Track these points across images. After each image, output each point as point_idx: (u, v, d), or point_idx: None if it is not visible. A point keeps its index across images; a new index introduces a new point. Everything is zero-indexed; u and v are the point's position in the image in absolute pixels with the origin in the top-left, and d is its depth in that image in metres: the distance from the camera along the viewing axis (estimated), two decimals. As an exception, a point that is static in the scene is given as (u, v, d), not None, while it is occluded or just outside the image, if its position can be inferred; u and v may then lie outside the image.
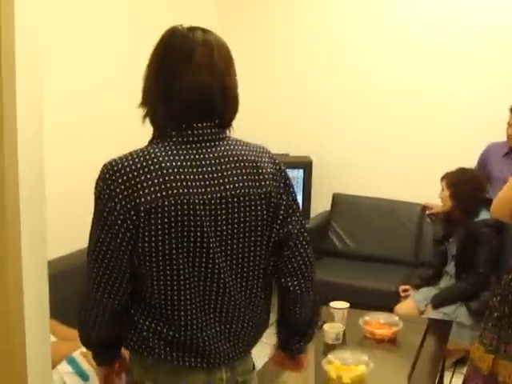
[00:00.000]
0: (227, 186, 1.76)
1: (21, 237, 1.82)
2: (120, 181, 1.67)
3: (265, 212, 1.82)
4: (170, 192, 1.68)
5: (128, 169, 1.68)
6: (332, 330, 3.35)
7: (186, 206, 1.69)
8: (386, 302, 4.41)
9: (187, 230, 1.70)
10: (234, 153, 1.80)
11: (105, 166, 1.72)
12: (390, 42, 5.24)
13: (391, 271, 4.88)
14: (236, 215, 1.77)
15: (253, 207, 1.80)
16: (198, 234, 1.71)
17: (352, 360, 2.99)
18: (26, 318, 1.84)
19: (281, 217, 1.86)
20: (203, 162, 1.74)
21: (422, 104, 5.19)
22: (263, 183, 1.81)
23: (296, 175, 5.18)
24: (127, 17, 4.46)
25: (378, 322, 3.50)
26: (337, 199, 5.38)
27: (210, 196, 1.73)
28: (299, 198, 5.17)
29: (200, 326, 1.80)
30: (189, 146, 1.74)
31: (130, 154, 1.72)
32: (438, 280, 4.42)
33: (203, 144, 1.76)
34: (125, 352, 1.96)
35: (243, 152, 1.81)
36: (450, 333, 3.68)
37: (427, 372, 3.29)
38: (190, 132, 1.74)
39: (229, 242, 1.78)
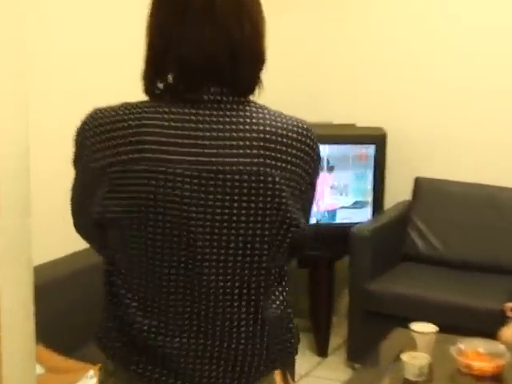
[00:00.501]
0: (226, 160, 1.79)
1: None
2: (92, 133, 1.81)
3: (269, 199, 1.83)
4: (146, 156, 1.76)
5: (106, 120, 1.81)
6: (414, 361, 3.27)
7: (163, 176, 1.75)
8: (487, 325, 4.29)
9: (162, 207, 1.77)
10: (244, 120, 1.83)
11: (87, 114, 1.86)
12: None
13: (494, 283, 4.78)
14: (228, 196, 1.80)
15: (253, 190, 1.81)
16: (176, 212, 1.77)
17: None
18: (2, 342, 1.81)
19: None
20: (201, 126, 1.79)
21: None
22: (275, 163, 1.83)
23: (365, 153, 5.12)
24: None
25: (476, 352, 3.41)
26: (420, 185, 5.30)
27: (198, 168, 1.77)
28: (365, 184, 5.10)
29: (170, 332, 1.83)
30: (186, 111, 1.80)
31: (119, 105, 1.84)
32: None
33: (207, 106, 1.81)
34: None
35: (260, 121, 1.84)
36: None
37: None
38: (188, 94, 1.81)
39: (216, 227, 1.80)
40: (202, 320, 1.83)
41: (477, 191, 5.16)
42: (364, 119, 5.32)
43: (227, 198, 1.78)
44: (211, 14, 1.77)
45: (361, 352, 4.66)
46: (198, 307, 1.82)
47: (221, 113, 1.81)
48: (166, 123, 1.78)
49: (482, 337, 3.85)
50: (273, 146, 1.82)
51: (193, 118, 1.79)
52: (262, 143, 1.81)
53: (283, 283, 1.95)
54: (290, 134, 1.85)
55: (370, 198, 5.16)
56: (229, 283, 1.82)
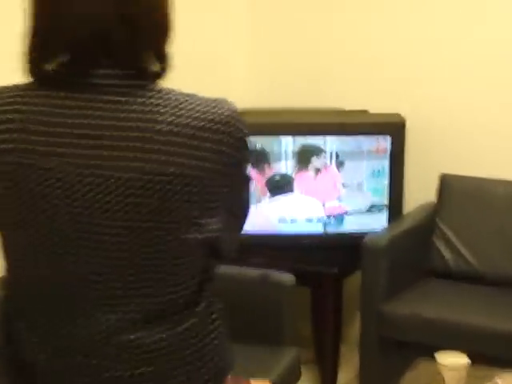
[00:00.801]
0: (111, 164, 1.82)
1: None
2: None
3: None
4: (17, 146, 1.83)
5: None
6: (442, 401, 3.15)
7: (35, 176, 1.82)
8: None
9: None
10: (142, 109, 1.84)
11: None
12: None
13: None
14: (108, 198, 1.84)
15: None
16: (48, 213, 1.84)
17: None
18: None
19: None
20: (84, 114, 1.82)
21: None
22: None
23: (378, 145, 5.00)
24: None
25: (517, 389, 3.30)
26: (447, 184, 5.17)
27: (83, 171, 1.82)
28: (383, 183, 4.98)
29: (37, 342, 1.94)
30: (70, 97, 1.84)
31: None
32: None
33: (96, 91, 1.84)
34: None
35: (163, 110, 1.86)
36: None
37: None
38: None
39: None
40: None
41: (518, 191, 5.03)
42: (378, 105, 5.21)
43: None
44: None
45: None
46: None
47: (110, 98, 1.83)
48: (46, 109, 1.82)
49: None
50: (179, 140, 1.83)
51: (76, 106, 1.82)
52: (162, 137, 1.82)
53: None
54: (201, 124, 1.86)
55: (386, 201, 5.03)
56: None
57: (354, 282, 4.91)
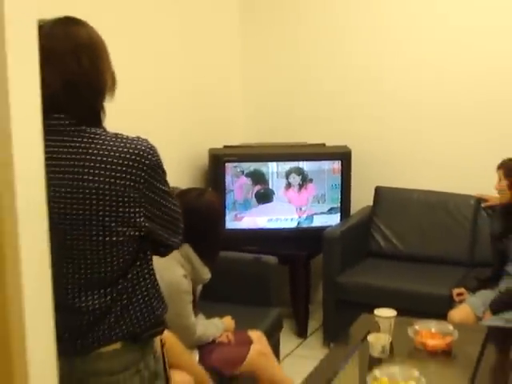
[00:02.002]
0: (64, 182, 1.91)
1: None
2: None
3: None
4: None
5: None
6: (378, 341, 3.25)
7: None
8: (438, 308, 4.29)
9: None
10: (80, 145, 1.93)
11: None
12: (434, 23, 5.12)
13: (443, 273, 4.76)
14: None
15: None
16: None
17: (401, 376, 2.89)
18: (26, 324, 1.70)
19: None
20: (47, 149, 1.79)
21: (474, 84, 5.07)
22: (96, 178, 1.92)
23: (333, 167, 5.09)
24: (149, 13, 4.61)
25: (429, 332, 3.39)
26: (380, 193, 5.27)
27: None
28: (338, 193, 5.08)
29: None
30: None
31: None
32: (497, 282, 4.28)
33: (52, 132, 1.87)
34: None
35: (97, 146, 1.93)
36: (512, 342, 3.56)
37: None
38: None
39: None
40: None
41: (429, 196, 5.13)
42: (332, 139, 5.31)
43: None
44: (51, 55, 1.85)
45: (335, 334, 4.68)
46: None
47: (59, 138, 1.91)
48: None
49: (434, 318, 3.83)
50: (104, 166, 1.90)
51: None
52: (92, 164, 1.90)
53: None
54: (122, 155, 1.92)
55: (339, 205, 5.13)
56: None
57: (318, 262, 5.01)
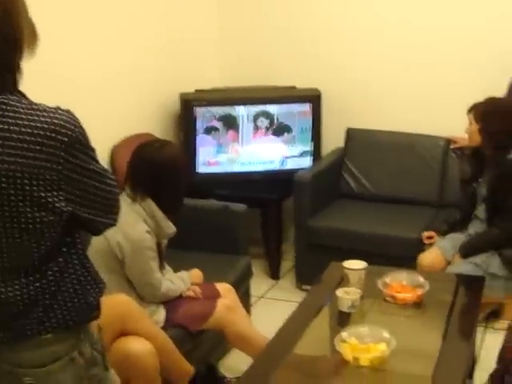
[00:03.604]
0: None
1: None
2: None
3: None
4: None
5: None
6: (347, 296, 2.89)
7: None
8: (409, 251, 3.97)
9: None
10: None
11: None
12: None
13: (413, 214, 4.39)
14: None
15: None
16: None
17: (370, 337, 2.55)
18: None
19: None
20: None
21: (444, 24, 4.59)
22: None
23: (304, 109, 4.67)
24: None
25: (400, 284, 3.05)
26: (351, 135, 4.83)
27: None
28: (308, 135, 4.67)
29: None
30: None
31: None
32: (467, 225, 3.94)
33: None
34: None
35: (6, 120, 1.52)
36: (482, 290, 3.21)
37: (460, 340, 2.85)
38: None
39: None
40: None
41: (399, 138, 4.69)
42: (302, 81, 4.85)
43: None
44: None
45: (307, 276, 4.36)
46: None
47: None
48: None
49: (403, 261, 3.65)
50: (19, 144, 1.50)
51: None
52: (7, 142, 1.51)
53: None
54: (35, 131, 1.52)
55: (310, 148, 4.72)
56: None
57: (290, 203, 4.61)
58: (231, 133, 4.63)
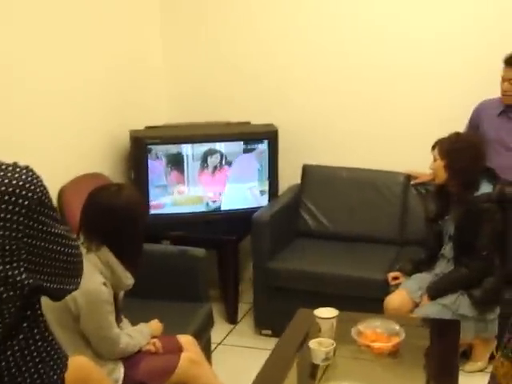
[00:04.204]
0: None
1: None
2: None
3: None
4: None
5: None
6: (321, 347, 2.70)
7: None
8: (373, 293, 3.85)
9: None
10: None
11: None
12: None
13: (374, 253, 4.25)
14: None
15: None
16: None
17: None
18: None
19: None
20: None
21: (405, 57, 4.51)
22: None
23: (260, 148, 4.49)
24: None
25: (374, 332, 2.87)
26: (307, 171, 4.67)
27: None
28: (265, 172, 4.49)
29: None
30: None
31: None
32: (433, 264, 3.82)
33: None
34: None
35: None
36: (459, 335, 3.05)
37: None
38: None
39: None
40: None
41: (358, 174, 4.56)
42: (257, 117, 4.69)
43: None
44: None
45: (265, 320, 4.22)
46: None
47: None
48: None
49: (369, 303, 3.61)
50: None
51: None
52: None
53: None
54: None
55: (266, 186, 4.54)
56: None
57: (247, 242, 4.42)
58: (175, 173, 4.40)
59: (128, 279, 2.81)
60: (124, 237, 2.75)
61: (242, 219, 4.30)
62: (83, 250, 2.72)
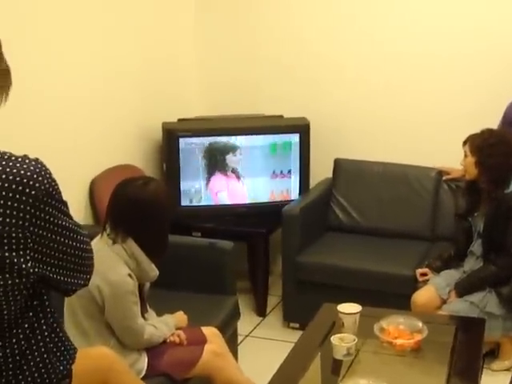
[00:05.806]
0: None
1: None
2: None
3: None
4: None
5: None
6: (343, 343, 2.71)
7: None
8: (401, 289, 3.83)
9: None
10: None
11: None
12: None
13: (404, 248, 4.22)
14: None
15: None
16: None
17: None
18: None
19: None
20: None
21: (439, 51, 4.46)
22: None
23: (292, 140, 4.50)
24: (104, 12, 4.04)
25: (397, 329, 2.86)
26: (339, 166, 4.66)
27: None
28: (296, 166, 4.49)
29: None
30: None
31: None
32: (462, 261, 3.79)
33: None
34: None
35: None
36: (484, 334, 3.03)
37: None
38: None
39: None
40: None
41: (390, 169, 4.53)
42: (290, 110, 4.69)
43: None
44: None
45: (294, 313, 4.23)
46: None
47: None
48: None
49: (397, 299, 3.58)
50: None
51: None
52: None
53: None
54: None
55: (298, 179, 4.55)
56: None
57: (277, 235, 4.43)
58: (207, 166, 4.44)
59: (153, 271, 2.85)
60: (149, 230, 2.79)
61: (273, 212, 4.32)
62: (109, 241, 2.77)
